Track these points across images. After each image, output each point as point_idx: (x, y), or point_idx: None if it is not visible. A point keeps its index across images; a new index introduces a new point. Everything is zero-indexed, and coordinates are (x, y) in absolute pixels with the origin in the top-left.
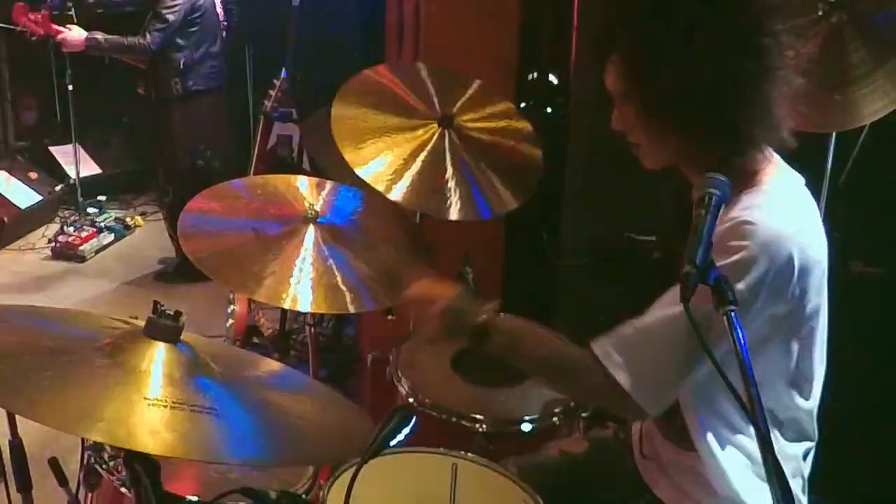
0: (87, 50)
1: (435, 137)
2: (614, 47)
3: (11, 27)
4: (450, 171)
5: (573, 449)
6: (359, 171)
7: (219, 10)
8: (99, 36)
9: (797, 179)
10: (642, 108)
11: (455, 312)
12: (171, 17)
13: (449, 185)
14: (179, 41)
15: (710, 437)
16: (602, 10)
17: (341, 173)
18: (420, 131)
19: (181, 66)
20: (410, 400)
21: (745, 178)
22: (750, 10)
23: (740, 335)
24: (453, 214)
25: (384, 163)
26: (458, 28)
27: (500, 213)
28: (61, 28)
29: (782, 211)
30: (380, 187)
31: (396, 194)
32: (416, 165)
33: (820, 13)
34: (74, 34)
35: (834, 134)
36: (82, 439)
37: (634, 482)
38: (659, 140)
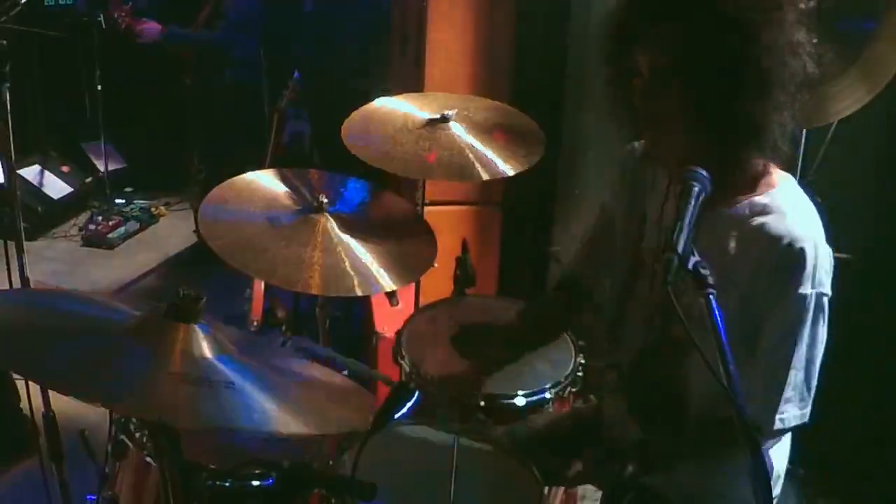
0: (164, 41)
1: (442, 133)
2: (679, 15)
3: (54, 34)
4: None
5: (561, 421)
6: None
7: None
8: (174, 28)
9: (792, 178)
10: (696, 91)
11: None
12: (234, 15)
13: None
14: (234, 36)
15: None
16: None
17: None
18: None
19: (230, 59)
20: (413, 376)
21: (752, 181)
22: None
23: (717, 316)
24: (484, 177)
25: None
26: (458, 33)
27: (515, 172)
28: (139, 20)
29: (805, 210)
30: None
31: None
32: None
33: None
34: (151, 25)
35: (804, 130)
36: (110, 413)
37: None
38: (693, 125)
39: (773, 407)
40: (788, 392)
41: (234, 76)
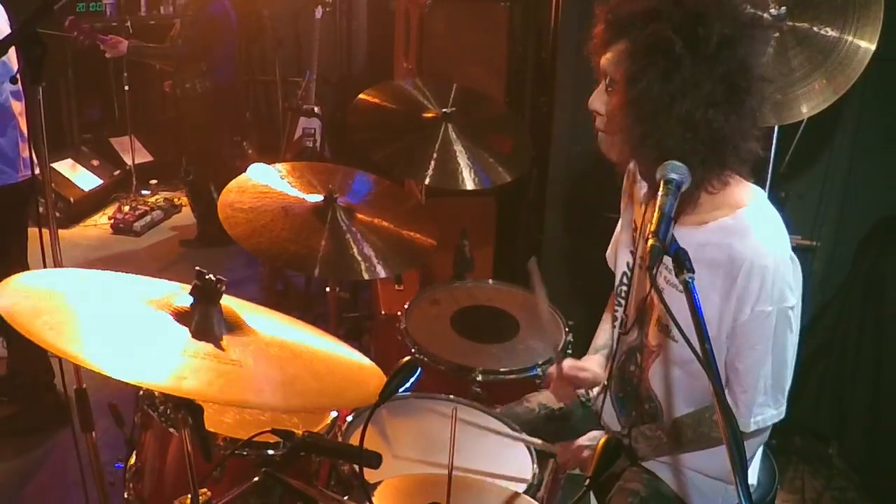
0: (129, 55)
1: (441, 130)
2: (625, 35)
3: (65, 34)
4: (458, 154)
5: (552, 401)
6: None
7: (232, 17)
8: (138, 43)
9: (759, 191)
10: (622, 105)
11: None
12: (186, 35)
13: (460, 164)
14: (202, 46)
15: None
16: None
17: None
18: (428, 126)
19: (202, 68)
20: (416, 353)
21: (718, 199)
22: (752, 57)
23: (696, 298)
24: (467, 185)
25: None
26: (457, 38)
27: (498, 184)
28: (105, 37)
29: (769, 228)
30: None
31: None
32: (432, 152)
33: (765, 25)
34: (118, 43)
35: (776, 127)
36: (137, 390)
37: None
38: (619, 138)
39: (749, 411)
40: (760, 398)
41: (203, 84)
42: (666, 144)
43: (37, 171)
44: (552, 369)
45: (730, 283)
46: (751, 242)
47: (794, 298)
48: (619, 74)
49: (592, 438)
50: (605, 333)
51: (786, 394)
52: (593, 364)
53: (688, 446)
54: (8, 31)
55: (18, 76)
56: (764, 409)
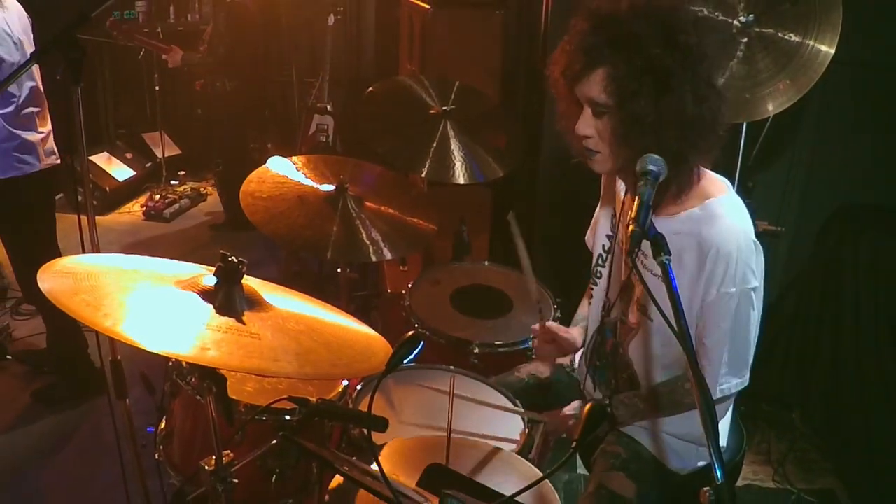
0: (182, 63)
1: (440, 126)
2: (606, 61)
3: (112, 41)
4: (454, 149)
5: (540, 371)
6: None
7: (256, 20)
8: (188, 54)
9: (726, 183)
10: (621, 124)
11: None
12: (227, 41)
13: (455, 159)
14: (233, 52)
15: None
16: (591, 23)
17: None
18: (428, 122)
19: (230, 69)
20: (418, 327)
21: (687, 191)
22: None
23: (672, 278)
24: (459, 179)
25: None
26: (456, 42)
27: (491, 178)
28: (168, 48)
29: (735, 216)
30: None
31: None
32: (430, 146)
33: (734, 31)
34: (176, 53)
35: (745, 123)
36: (167, 361)
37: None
38: (622, 153)
39: (714, 381)
40: (724, 369)
41: (236, 83)
42: (665, 147)
43: (58, 161)
44: (536, 326)
45: (699, 267)
46: (717, 230)
47: (757, 280)
48: (608, 98)
49: (575, 408)
50: (583, 309)
51: (749, 365)
52: (574, 332)
53: (663, 411)
54: (30, 31)
55: (59, 76)
56: (728, 379)
